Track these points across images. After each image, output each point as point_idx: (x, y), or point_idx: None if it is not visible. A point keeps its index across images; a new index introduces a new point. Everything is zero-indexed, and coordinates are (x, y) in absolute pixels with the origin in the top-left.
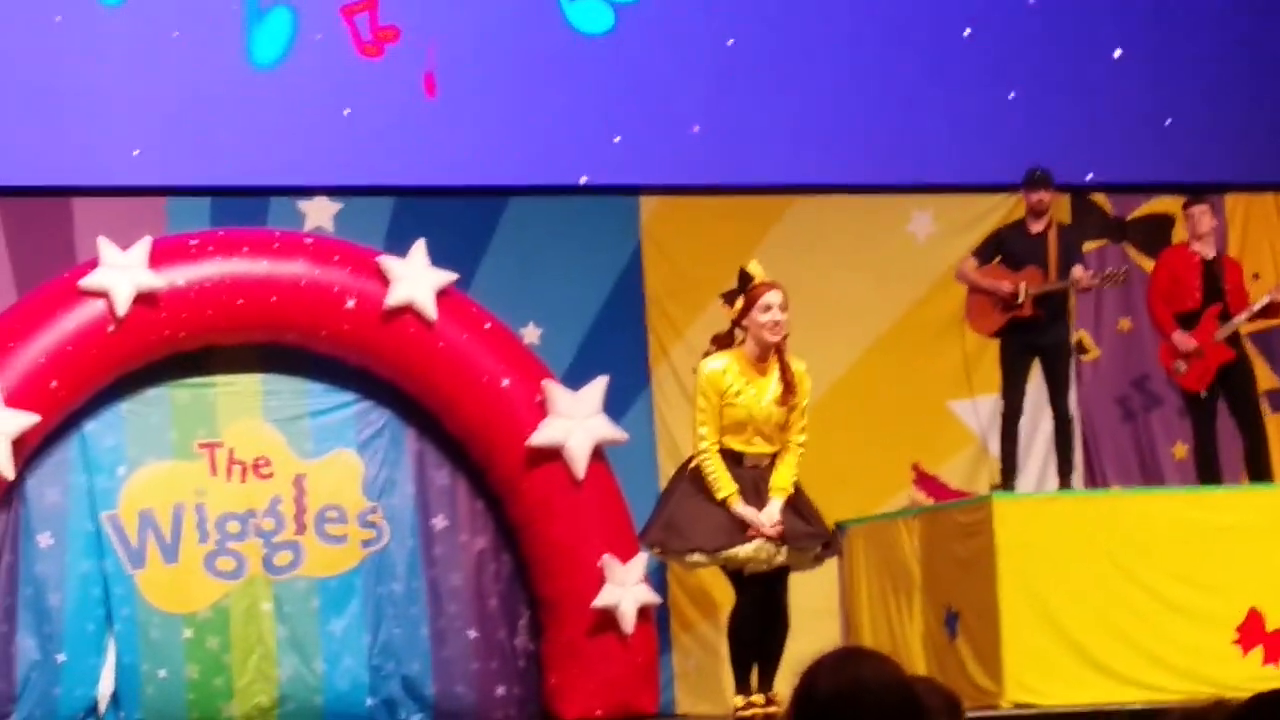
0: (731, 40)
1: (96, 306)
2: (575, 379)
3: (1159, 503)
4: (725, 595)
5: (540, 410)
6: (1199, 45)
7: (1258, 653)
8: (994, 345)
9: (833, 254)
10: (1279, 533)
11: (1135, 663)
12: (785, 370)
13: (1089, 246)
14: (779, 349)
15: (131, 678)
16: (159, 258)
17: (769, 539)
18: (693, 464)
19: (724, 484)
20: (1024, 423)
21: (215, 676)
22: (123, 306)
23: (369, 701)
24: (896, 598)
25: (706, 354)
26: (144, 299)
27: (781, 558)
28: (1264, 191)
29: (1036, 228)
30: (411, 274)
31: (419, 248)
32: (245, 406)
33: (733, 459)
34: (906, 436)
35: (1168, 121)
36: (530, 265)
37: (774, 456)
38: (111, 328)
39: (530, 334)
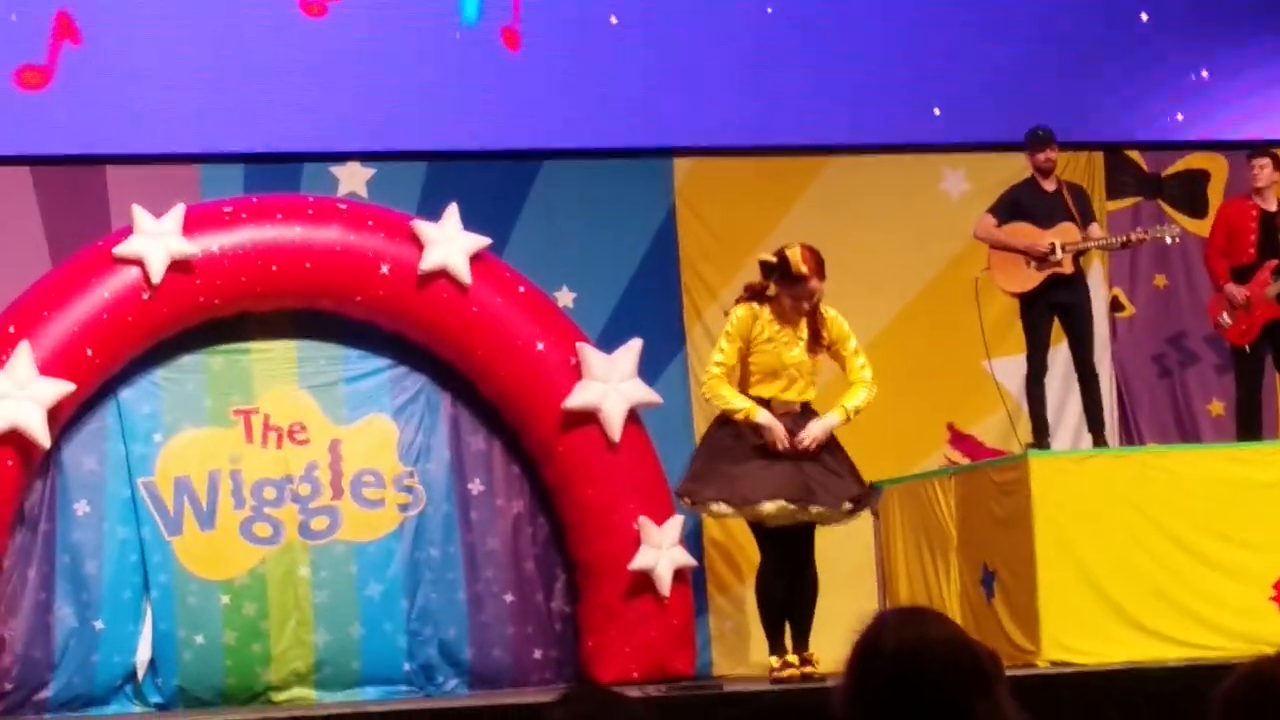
0: (770, 9)
1: (131, 274)
2: (609, 342)
3: (1196, 459)
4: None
5: (575, 373)
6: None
7: None
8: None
9: (866, 214)
10: None
11: (1172, 620)
12: (813, 317)
13: (1124, 204)
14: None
15: (169, 645)
16: (193, 225)
17: (787, 453)
18: (721, 412)
19: (736, 400)
20: (1056, 381)
21: (252, 642)
22: (157, 274)
23: (406, 666)
24: (933, 557)
25: (739, 300)
26: (178, 266)
27: (808, 514)
28: None
29: (1049, 186)
30: (445, 239)
31: (452, 212)
32: (280, 373)
33: (765, 408)
34: (941, 396)
35: (1204, 73)
36: (564, 229)
37: (804, 405)
38: (146, 295)
39: (564, 297)
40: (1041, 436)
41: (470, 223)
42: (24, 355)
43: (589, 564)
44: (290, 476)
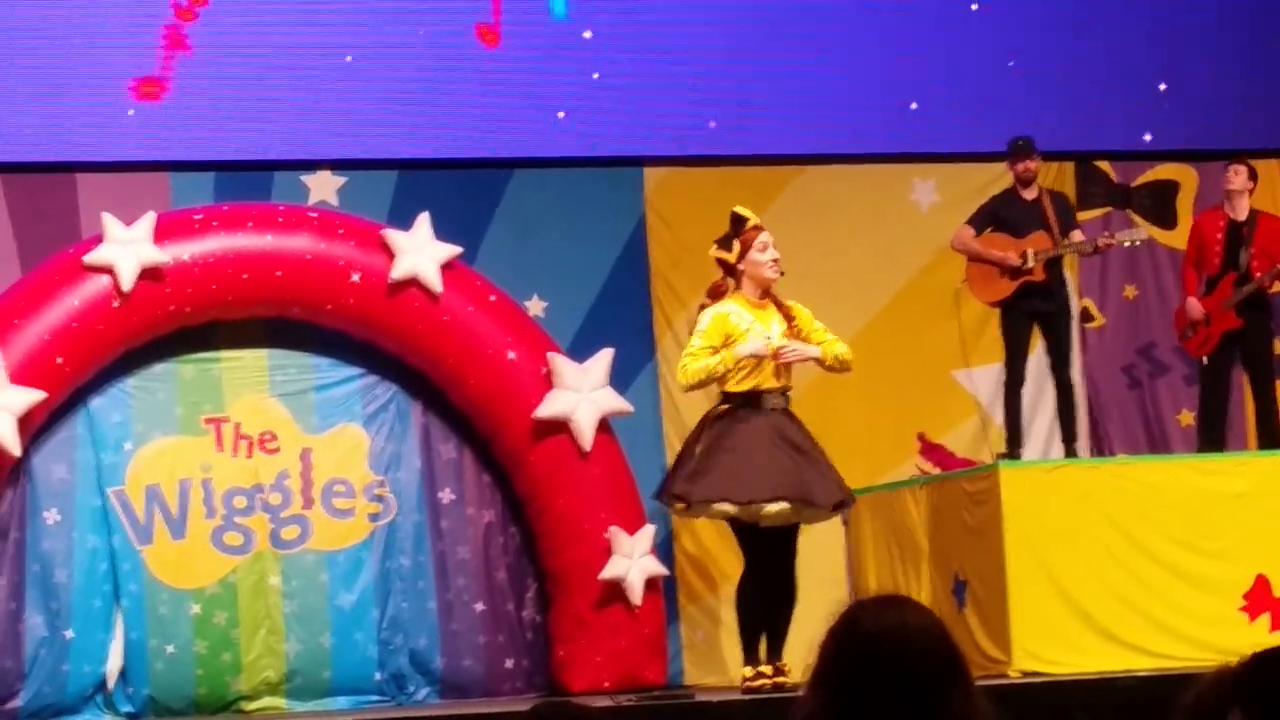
0: (737, 12)
1: (101, 282)
2: (580, 351)
3: (1166, 470)
4: (732, 567)
5: (546, 383)
6: (1200, 12)
7: (1265, 619)
8: (996, 314)
9: (836, 225)
10: None
11: (1143, 630)
12: (781, 306)
13: (1094, 214)
14: (770, 289)
15: (139, 654)
16: (163, 233)
17: (775, 358)
18: (711, 413)
19: (714, 360)
20: (1028, 391)
21: (223, 652)
22: (128, 282)
23: (377, 675)
24: (904, 567)
25: (703, 306)
26: (149, 274)
27: (802, 516)
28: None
29: (1029, 195)
30: (416, 247)
31: (423, 221)
32: (251, 381)
33: (753, 402)
34: (911, 406)
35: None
36: (534, 238)
37: (785, 391)
38: (117, 303)
39: (535, 306)
40: (1015, 446)
41: (441, 232)
42: None
43: (560, 573)
44: (261, 485)
